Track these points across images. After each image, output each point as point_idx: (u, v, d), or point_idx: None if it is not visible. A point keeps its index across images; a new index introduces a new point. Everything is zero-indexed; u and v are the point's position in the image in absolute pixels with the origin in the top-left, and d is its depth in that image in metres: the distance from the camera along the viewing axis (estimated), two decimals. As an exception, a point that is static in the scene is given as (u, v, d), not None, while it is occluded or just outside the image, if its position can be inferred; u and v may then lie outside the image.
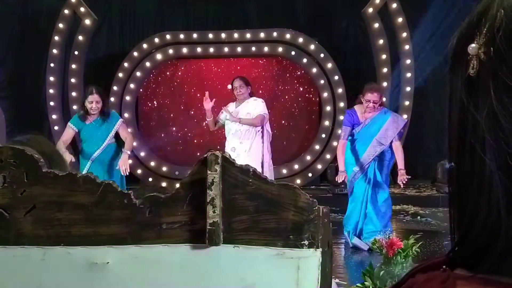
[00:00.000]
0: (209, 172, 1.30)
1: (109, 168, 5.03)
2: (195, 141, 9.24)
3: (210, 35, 8.70)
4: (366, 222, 5.00)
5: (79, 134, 5.10)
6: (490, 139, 0.46)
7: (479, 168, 0.47)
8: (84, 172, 4.75)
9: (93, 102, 4.95)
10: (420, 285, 0.51)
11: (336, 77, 8.52)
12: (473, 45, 0.48)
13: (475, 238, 0.49)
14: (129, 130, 8.57)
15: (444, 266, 0.52)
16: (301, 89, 9.26)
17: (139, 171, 8.56)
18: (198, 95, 9.07)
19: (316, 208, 1.35)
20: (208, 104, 5.49)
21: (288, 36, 8.63)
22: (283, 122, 9.21)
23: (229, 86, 5.78)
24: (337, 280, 3.13)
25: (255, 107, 5.48)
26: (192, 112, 9.17)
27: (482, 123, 0.47)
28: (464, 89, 0.49)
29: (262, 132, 5.52)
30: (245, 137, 5.38)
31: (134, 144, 8.59)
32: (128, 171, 5.00)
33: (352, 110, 5.22)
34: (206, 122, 5.73)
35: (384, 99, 5.11)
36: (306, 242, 1.33)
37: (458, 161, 0.51)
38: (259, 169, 1.56)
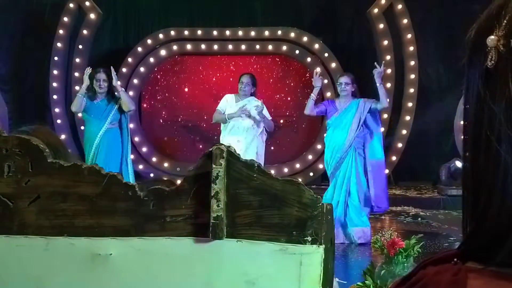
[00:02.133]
0: (214, 166, 1.30)
1: (110, 154, 5.22)
2: (198, 138, 9.24)
3: (215, 32, 8.70)
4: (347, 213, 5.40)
5: (85, 112, 5.32)
6: (507, 131, 0.46)
7: (494, 160, 0.47)
8: (91, 156, 4.91)
9: (100, 79, 5.25)
10: (431, 277, 0.51)
11: (340, 77, 8.51)
12: (492, 37, 0.48)
13: (488, 230, 0.49)
14: (131, 125, 8.57)
15: (455, 259, 0.52)
16: (304, 88, 9.25)
17: (140, 167, 8.56)
18: (197, 91, 9.08)
19: (320, 204, 1.35)
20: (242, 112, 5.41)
21: (292, 34, 8.62)
22: (285, 120, 9.20)
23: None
24: (337, 279, 3.13)
25: (259, 107, 5.41)
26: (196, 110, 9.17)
27: (499, 115, 0.47)
28: (482, 81, 0.49)
29: (262, 132, 5.56)
30: (244, 135, 5.34)
31: (136, 139, 8.61)
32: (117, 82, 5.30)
33: (331, 100, 5.93)
34: (224, 117, 5.49)
35: (355, 87, 5.57)
36: (309, 238, 1.33)
37: (473, 152, 0.51)
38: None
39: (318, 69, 5.67)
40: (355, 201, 5.37)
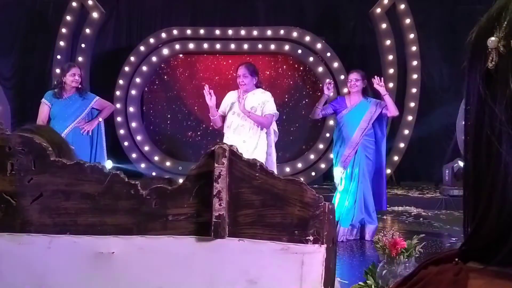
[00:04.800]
0: (216, 165, 1.30)
1: (80, 150, 4.81)
2: (199, 136, 9.24)
3: (217, 31, 8.70)
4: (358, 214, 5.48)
5: (50, 111, 4.97)
6: (507, 131, 0.46)
7: (494, 160, 0.48)
8: None
9: (76, 74, 4.95)
10: (432, 277, 0.51)
11: (342, 77, 8.50)
12: (493, 38, 0.49)
13: (489, 230, 0.49)
14: (134, 124, 8.62)
15: (456, 259, 0.52)
16: (306, 87, 9.25)
17: (142, 165, 8.57)
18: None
19: (322, 204, 1.35)
20: (211, 100, 4.80)
21: (295, 34, 8.62)
22: (287, 120, 9.20)
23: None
24: (339, 279, 3.14)
25: (263, 102, 4.79)
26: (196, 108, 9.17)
27: (500, 115, 0.47)
28: (482, 82, 0.50)
29: (268, 131, 4.89)
30: (249, 135, 4.72)
31: (139, 138, 8.62)
32: (89, 133, 5.01)
33: (341, 97, 5.97)
34: (213, 119, 4.92)
35: (365, 84, 5.51)
36: (311, 238, 1.33)
37: (474, 153, 0.51)
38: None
39: (331, 82, 5.51)
40: (367, 201, 5.44)
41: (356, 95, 5.48)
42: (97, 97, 5.20)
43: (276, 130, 5.06)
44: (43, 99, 5.06)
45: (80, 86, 5.03)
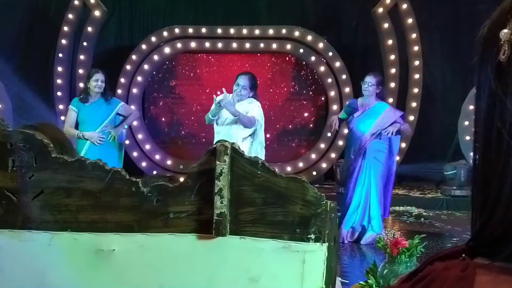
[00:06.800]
0: (217, 162, 1.30)
1: (105, 154, 4.85)
2: (201, 135, 9.23)
3: (219, 30, 8.70)
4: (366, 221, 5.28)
5: (77, 116, 5.10)
6: None
7: (504, 154, 0.48)
8: (82, 154, 4.76)
9: (99, 80, 5.05)
10: (438, 273, 0.50)
11: (344, 76, 8.50)
12: (505, 30, 0.49)
13: (496, 225, 0.49)
14: (135, 123, 8.60)
15: (463, 255, 0.51)
16: (308, 87, 9.24)
17: (143, 164, 8.57)
18: (208, 90, 9.06)
19: (324, 202, 1.35)
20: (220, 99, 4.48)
21: (297, 33, 8.61)
22: (288, 119, 9.19)
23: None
24: (339, 278, 3.13)
25: (248, 110, 4.50)
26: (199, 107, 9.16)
27: (511, 108, 0.47)
28: (494, 74, 0.50)
29: (255, 144, 4.56)
30: (241, 143, 4.28)
31: (140, 136, 8.62)
32: (115, 140, 5.11)
33: (353, 99, 5.82)
34: (209, 118, 4.69)
35: (379, 89, 5.32)
36: (312, 236, 1.33)
37: (484, 147, 0.51)
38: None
39: (335, 120, 5.32)
40: (372, 207, 5.22)
41: (368, 98, 5.27)
42: (122, 103, 5.35)
43: (263, 141, 4.68)
44: (70, 106, 5.21)
45: (104, 91, 5.13)
